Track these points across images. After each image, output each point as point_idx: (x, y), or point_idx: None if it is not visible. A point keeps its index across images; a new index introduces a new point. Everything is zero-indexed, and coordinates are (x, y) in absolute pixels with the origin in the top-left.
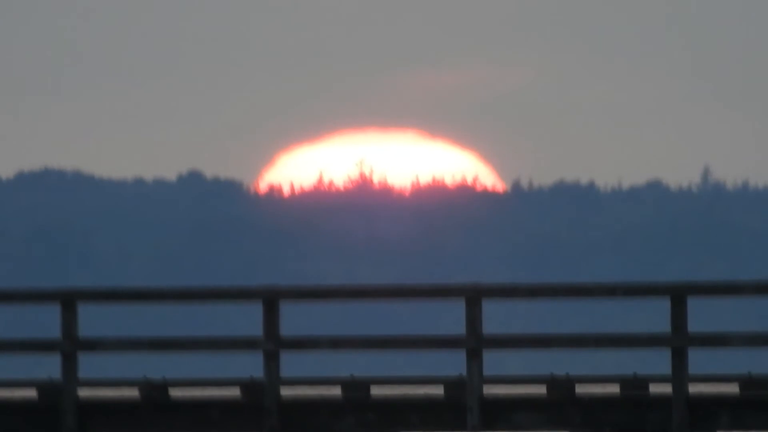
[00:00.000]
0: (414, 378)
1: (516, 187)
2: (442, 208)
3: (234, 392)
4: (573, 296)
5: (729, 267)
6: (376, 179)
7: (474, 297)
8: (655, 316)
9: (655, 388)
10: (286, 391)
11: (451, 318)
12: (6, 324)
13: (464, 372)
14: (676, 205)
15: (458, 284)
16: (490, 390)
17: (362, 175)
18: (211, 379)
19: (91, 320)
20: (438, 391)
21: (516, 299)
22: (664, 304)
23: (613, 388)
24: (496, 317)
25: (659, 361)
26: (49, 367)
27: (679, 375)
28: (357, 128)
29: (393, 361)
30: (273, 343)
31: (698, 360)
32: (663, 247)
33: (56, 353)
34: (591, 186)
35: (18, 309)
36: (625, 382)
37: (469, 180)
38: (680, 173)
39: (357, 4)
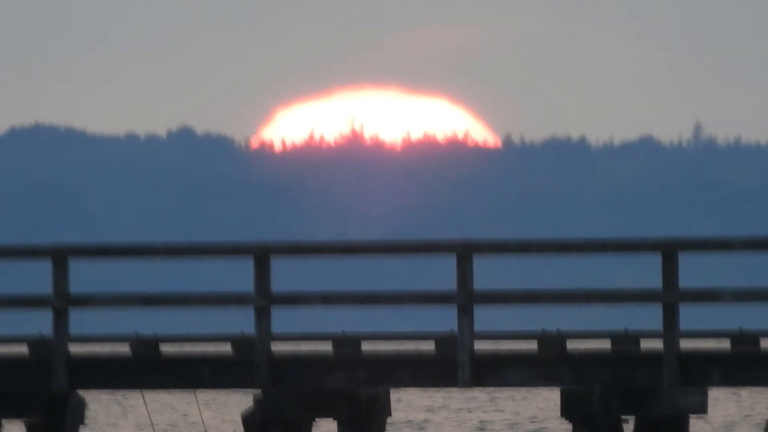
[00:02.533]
0: (405, 334)
1: (507, 142)
2: (433, 164)
3: (225, 348)
4: (564, 252)
5: (720, 223)
6: (367, 136)
7: (464, 253)
8: (645, 272)
9: (646, 344)
10: (277, 347)
11: (441, 274)
12: None
13: (455, 328)
14: (668, 161)
15: (449, 240)
16: (481, 346)
17: (353, 132)
18: (202, 335)
19: (83, 277)
20: (429, 347)
21: (506, 255)
22: (655, 260)
23: (604, 344)
24: (488, 274)
25: (650, 318)
26: (41, 324)
27: (670, 331)
28: (350, 85)
29: (384, 318)
30: (264, 299)
31: (689, 316)
32: (654, 203)
33: (47, 309)
34: (582, 142)
35: (9, 265)
36: (616, 338)
37: (461, 136)
38: (672, 129)
39: None
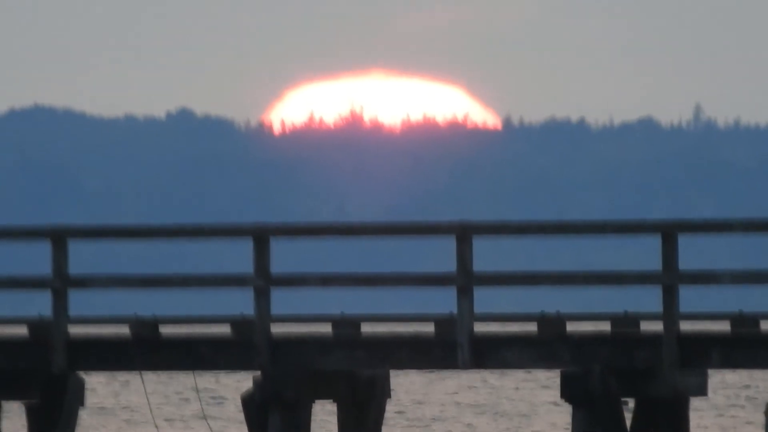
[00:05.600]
0: (404, 315)
1: (507, 124)
2: (433, 146)
3: (224, 329)
4: (563, 234)
5: (719, 204)
6: (366, 118)
7: (464, 234)
8: (645, 254)
9: (645, 326)
10: (276, 329)
11: (441, 256)
12: None
13: (454, 310)
14: (668, 142)
15: (448, 222)
16: (481, 328)
17: (353, 114)
18: (202, 316)
19: (82, 258)
20: (428, 328)
21: (506, 236)
22: (654, 242)
23: (604, 326)
24: (487, 255)
25: (650, 299)
26: (40, 305)
27: (670, 313)
28: (350, 68)
29: (383, 299)
30: (263, 280)
31: (689, 298)
32: (654, 185)
33: (46, 290)
34: (582, 123)
35: (8, 246)
36: (615, 319)
37: (460, 118)
38: (672, 111)
39: None
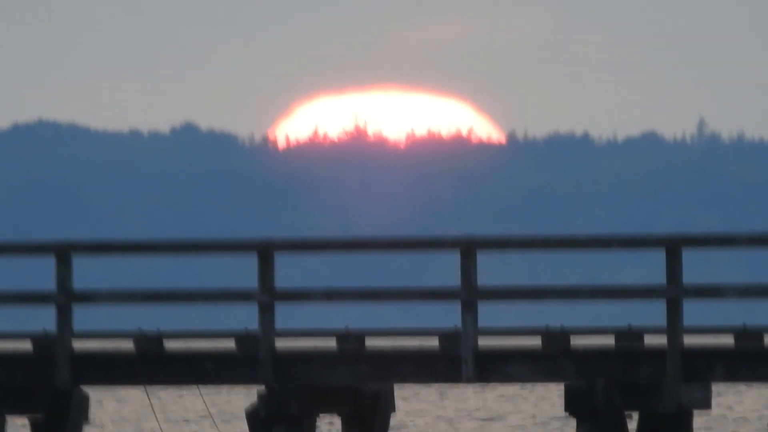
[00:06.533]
0: (408, 330)
1: (511, 138)
2: (437, 160)
3: (229, 344)
4: (568, 248)
5: (723, 218)
6: (371, 132)
7: (468, 249)
8: (649, 268)
9: (649, 340)
10: (280, 343)
11: (445, 270)
12: (0, 276)
13: (459, 324)
14: (671, 156)
15: (452, 236)
16: (485, 342)
17: (357, 128)
18: (206, 331)
19: (86, 273)
20: (433, 343)
21: (510, 251)
22: (659, 256)
23: (608, 340)
24: (491, 270)
25: (654, 313)
26: (44, 320)
27: (674, 327)
28: (355, 83)
29: (387, 314)
30: (268, 295)
31: (693, 312)
32: (658, 199)
33: (51, 305)
34: (586, 137)
35: (12, 261)
36: (619, 334)
37: (464, 132)
38: (675, 125)
39: None
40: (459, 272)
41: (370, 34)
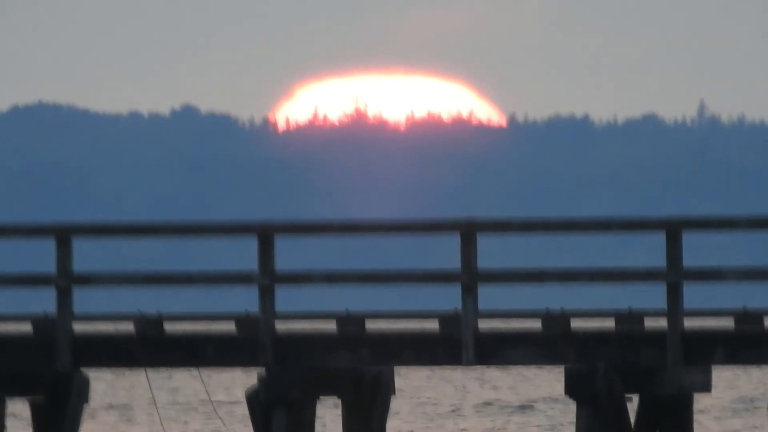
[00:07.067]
0: (409, 313)
1: (512, 121)
2: (438, 143)
3: (229, 327)
4: (568, 231)
5: (724, 201)
6: (371, 115)
7: (469, 232)
8: (650, 251)
9: (650, 323)
10: (280, 326)
11: (445, 253)
12: (0, 258)
13: (459, 307)
14: (672, 139)
15: (453, 219)
16: (485, 325)
17: (357, 111)
18: (206, 313)
19: (86, 256)
20: (433, 326)
21: (510, 234)
22: (659, 239)
23: (608, 323)
24: (492, 253)
25: (654, 296)
26: (44, 302)
27: (674, 310)
28: (356, 66)
29: (388, 297)
30: (268, 278)
31: (693, 295)
32: (658, 182)
33: (51, 288)
34: (586, 120)
35: (13, 244)
36: (620, 317)
37: (465, 115)
38: (676, 107)
39: None
40: (459, 255)
41: (371, 17)
